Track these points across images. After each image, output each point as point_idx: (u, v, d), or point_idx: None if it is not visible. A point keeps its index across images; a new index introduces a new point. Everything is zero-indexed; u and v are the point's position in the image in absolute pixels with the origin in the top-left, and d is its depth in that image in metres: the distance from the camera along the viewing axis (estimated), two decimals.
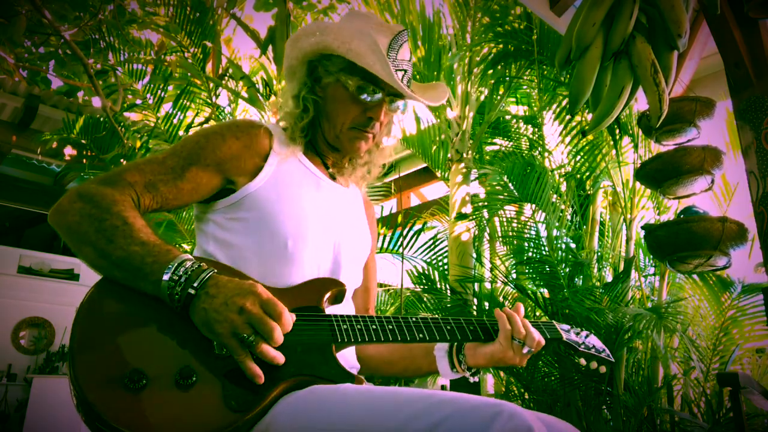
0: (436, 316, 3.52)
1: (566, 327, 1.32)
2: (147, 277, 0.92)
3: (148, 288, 0.92)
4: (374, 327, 1.07)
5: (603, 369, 1.32)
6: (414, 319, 1.12)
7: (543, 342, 1.20)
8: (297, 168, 1.21)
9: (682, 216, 2.44)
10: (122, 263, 0.93)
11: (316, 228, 1.15)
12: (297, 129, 1.23)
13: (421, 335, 1.10)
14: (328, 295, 1.10)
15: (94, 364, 0.84)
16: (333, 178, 1.28)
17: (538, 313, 3.21)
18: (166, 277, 0.90)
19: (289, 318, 0.92)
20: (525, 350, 1.17)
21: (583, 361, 1.30)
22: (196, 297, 0.90)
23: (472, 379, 1.24)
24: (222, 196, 1.15)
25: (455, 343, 1.25)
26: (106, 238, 0.94)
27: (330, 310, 1.14)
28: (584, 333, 1.34)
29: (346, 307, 1.22)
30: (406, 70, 1.20)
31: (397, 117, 1.32)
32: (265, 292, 0.92)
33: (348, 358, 1.20)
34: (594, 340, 1.33)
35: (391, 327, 1.08)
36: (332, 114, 1.21)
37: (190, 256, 0.95)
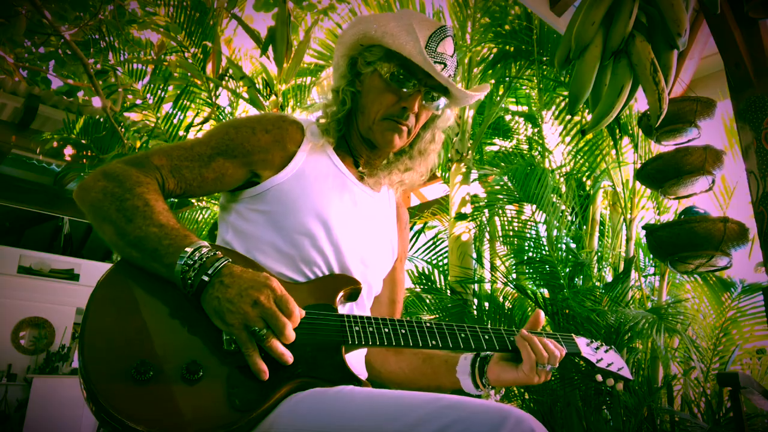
0: (437, 316, 3.51)
1: (585, 340, 1.27)
2: (162, 259, 0.91)
3: (162, 271, 0.92)
4: (386, 330, 1.03)
5: (620, 386, 1.27)
6: (428, 324, 1.08)
7: (564, 355, 1.15)
8: (325, 165, 1.18)
9: (683, 216, 2.44)
10: (139, 243, 0.93)
11: (335, 229, 1.12)
12: (333, 121, 1.20)
13: (434, 342, 1.06)
14: (342, 293, 1.07)
15: (103, 354, 0.84)
16: (362, 178, 1.24)
17: None
18: (180, 261, 0.90)
19: (299, 318, 0.91)
20: (548, 368, 1.12)
21: (599, 377, 1.24)
22: (210, 284, 0.89)
23: (495, 397, 1.21)
24: (247, 187, 1.13)
25: (477, 365, 1.20)
26: (126, 218, 0.94)
27: (345, 308, 1.12)
28: (604, 348, 1.29)
29: (362, 309, 1.19)
30: (446, 64, 1.15)
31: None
32: (280, 287, 0.91)
33: (355, 365, 1.16)
34: (613, 356, 1.28)
35: (404, 331, 1.04)
36: (366, 104, 1.18)
37: (207, 243, 0.94)
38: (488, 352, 1.20)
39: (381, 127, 1.17)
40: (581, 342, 1.26)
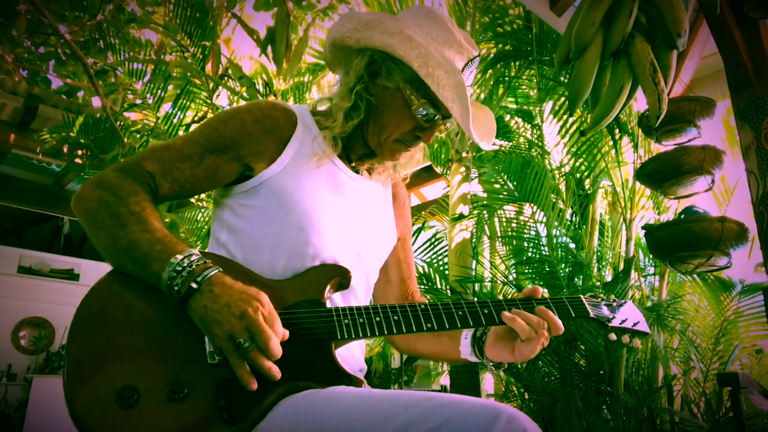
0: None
1: (596, 300, 1.21)
2: (152, 264, 0.91)
3: (151, 277, 0.92)
4: (378, 319, 1.00)
5: (637, 342, 1.22)
6: (423, 307, 1.05)
7: (560, 325, 1.08)
8: (317, 158, 1.14)
9: (682, 216, 2.45)
10: (131, 248, 0.93)
11: (333, 222, 1.11)
12: (344, 127, 1.15)
13: (429, 325, 1.03)
14: (329, 285, 1.04)
15: (86, 381, 0.83)
16: (356, 171, 1.22)
17: None
18: (170, 268, 0.89)
19: (282, 339, 0.90)
20: (547, 335, 1.06)
21: (613, 336, 1.19)
22: (198, 292, 0.89)
23: (494, 371, 1.18)
24: (239, 181, 1.11)
25: (476, 346, 1.16)
26: (120, 223, 0.95)
27: (339, 300, 1.10)
28: (618, 303, 1.24)
29: (359, 301, 1.17)
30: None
31: None
32: (269, 304, 0.90)
33: (353, 359, 1.14)
34: (628, 311, 1.23)
35: (396, 318, 1.01)
36: (383, 122, 1.15)
37: (197, 252, 0.93)
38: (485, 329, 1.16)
39: (392, 147, 1.17)
40: (591, 301, 1.20)
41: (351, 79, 1.16)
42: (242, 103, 4.75)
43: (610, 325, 1.18)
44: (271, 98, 4.43)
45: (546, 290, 3.25)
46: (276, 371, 0.88)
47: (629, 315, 1.22)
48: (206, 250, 1.13)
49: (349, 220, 1.15)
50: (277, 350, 0.87)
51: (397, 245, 1.34)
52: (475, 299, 1.13)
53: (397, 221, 1.34)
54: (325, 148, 1.15)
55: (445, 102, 1.07)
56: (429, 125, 1.14)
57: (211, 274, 0.91)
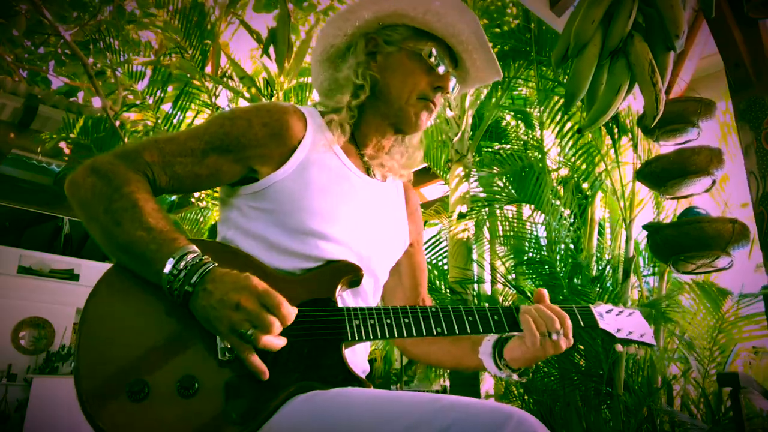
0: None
1: (604, 309, 1.21)
2: (149, 265, 0.89)
3: (151, 277, 0.90)
4: (388, 321, 0.99)
5: (641, 352, 1.24)
6: (434, 310, 1.04)
7: (570, 325, 1.08)
8: (329, 159, 1.11)
9: (685, 217, 2.44)
10: (127, 247, 0.90)
11: (343, 227, 1.08)
12: (350, 111, 1.15)
13: (439, 329, 1.02)
14: (341, 283, 1.03)
15: (98, 374, 0.83)
16: (368, 170, 1.19)
17: None
18: (166, 270, 0.87)
19: (290, 309, 0.87)
20: (554, 337, 1.06)
21: (619, 347, 1.20)
22: (194, 294, 0.87)
23: (516, 378, 1.14)
24: (245, 183, 1.08)
25: (498, 346, 1.14)
26: (114, 220, 0.91)
27: (348, 299, 1.09)
28: (626, 312, 1.24)
29: (366, 294, 1.15)
30: None
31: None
32: (260, 284, 0.87)
33: (357, 361, 1.13)
34: (636, 321, 1.23)
35: (407, 321, 1.00)
36: (395, 83, 1.15)
37: (194, 248, 0.91)
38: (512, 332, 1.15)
39: (417, 107, 1.16)
40: (600, 311, 1.20)
41: (351, 65, 1.18)
42: (244, 103, 4.76)
43: (617, 336, 1.19)
44: (275, 98, 4.43)
45: (545, 290, 3.24)
46: (281, 341, 0.87)
47: (636, 327, 1.22)
48: (216, 240, 1.11)
49: (361, 225, 1.13)
50: (285, 319, 0.86)
51: (411, 250, 1.33)
52: (486, 305, 1.11)
53: (409, 226, 1.32)
54: (331, 136, 1.13)
55: (454, 25, 1.15)
56: (443, 71, 1.17)
57: (206, 271, 0.88)
